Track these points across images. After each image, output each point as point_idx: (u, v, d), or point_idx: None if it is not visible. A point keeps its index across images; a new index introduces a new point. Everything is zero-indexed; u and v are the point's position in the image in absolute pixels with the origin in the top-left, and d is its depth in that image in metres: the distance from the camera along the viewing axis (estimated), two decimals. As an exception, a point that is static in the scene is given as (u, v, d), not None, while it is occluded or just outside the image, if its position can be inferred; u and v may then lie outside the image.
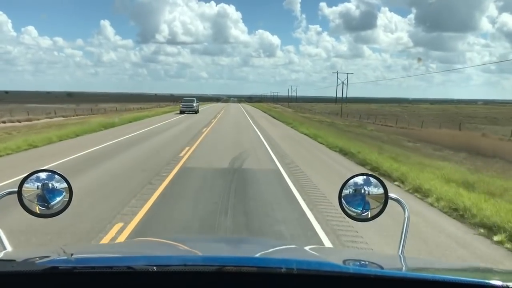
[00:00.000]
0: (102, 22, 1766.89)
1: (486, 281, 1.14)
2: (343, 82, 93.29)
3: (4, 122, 29.35)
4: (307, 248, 1.79)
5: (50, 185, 1.65)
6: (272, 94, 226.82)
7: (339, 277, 1.19)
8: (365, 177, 1.73)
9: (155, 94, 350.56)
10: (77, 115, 40.45)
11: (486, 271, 1.52)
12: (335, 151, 16.85)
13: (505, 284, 1.10)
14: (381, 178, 1.75)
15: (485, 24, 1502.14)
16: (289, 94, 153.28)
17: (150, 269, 1.15)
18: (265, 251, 1.63)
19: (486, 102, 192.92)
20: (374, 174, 1.85)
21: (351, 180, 1.72)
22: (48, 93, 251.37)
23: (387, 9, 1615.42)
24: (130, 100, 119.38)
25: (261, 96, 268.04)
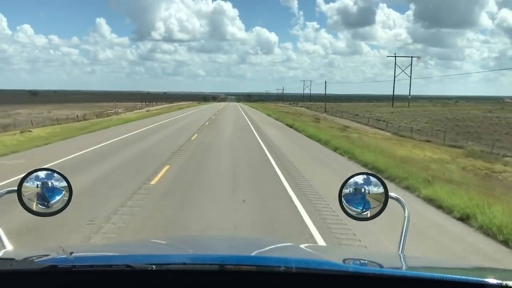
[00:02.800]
0: (97, 20, 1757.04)
1: (484, 279, 1.15)
2: (405, 75, 73.17)
3: None
4: (306, 246, 1.79)
5: (49, 183, 1.65)
6: (278, 91, 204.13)
7: (338, 275, 1.19)
8: (365, 176, 1.73)
9: (148, 92, 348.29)
10: None
11: (484, 270, 1.53)
12: None
13: (503, 282, 1.11)
14: (381, 177, 1.75)
15: (484, 20, 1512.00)
16: (322, 92, 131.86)
17: (149, 268, 1.15)
18: (264, 250, 1.64)
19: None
20: (374, 173, 1.81)
21: (351, 179, 1.72)
22: (29, 91, 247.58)
23: (385, 5, 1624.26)
24: (116, 99, 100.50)
25: (266, 94, 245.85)
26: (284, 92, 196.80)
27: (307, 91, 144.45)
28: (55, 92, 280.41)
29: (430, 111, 68.63)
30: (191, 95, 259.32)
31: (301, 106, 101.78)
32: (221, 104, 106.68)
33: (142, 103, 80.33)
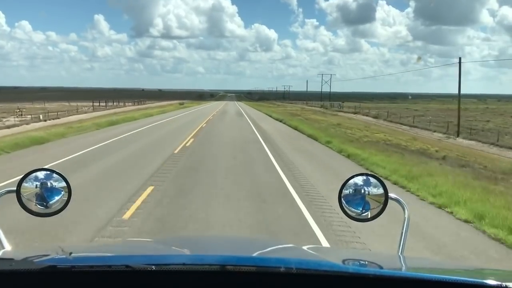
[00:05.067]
0: (96, 16, 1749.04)
1: (484, 281, 1.15)
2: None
3: None
4: (306, 247, 1.80)
5: (48, 184, 1.65)
6: (285, 88, 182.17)
7: (338, 276, 1.20)
8: (365, 177, 1.73)
9: (143, 89, 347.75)
10: None
11: (484, 271, 1.54)
12: None
13: (503, 284, 1.11)
14: (381, 178, 1.75)
15: (485, 17, 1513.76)
16: (326, 89, 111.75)
17: (148, 268, 1.14)
18: (264, 251, 1.64)
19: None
20: (374, 174, 1.81)
21: (351, 180, 1.72)
22: (15, 88, 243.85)
23: (384, 2, 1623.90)
24: (107, 96, 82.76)
25: (273, 91, 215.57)
26: (291, 89, 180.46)
27: (325, 88, 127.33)
28: (43, 88, 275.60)
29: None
30: (188, 93, 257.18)
31: (356, 112, 62.73)
32: (216, 107, 74.23)
33: (92, 106, 59.00)
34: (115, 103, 70.27)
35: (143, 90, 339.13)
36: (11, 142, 17.81)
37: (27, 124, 30.73)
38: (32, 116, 37.57)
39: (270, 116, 45.63)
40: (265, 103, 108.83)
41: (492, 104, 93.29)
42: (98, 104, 64.26)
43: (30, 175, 1.64)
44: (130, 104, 73.09)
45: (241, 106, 79.03)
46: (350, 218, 1.73)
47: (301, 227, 7.07)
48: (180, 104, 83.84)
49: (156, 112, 50.20)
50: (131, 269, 1.14)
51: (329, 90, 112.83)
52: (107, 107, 59.93)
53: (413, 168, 12.58)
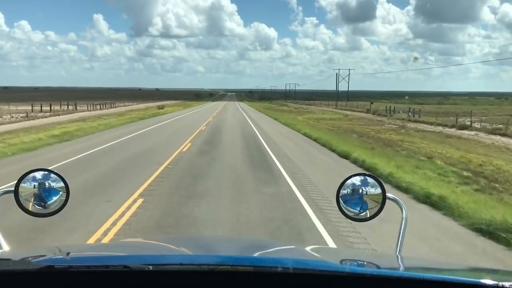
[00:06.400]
0: (95, 16, 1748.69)
1: (481, 280, 1.15)
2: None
3: None
4: (305, 248, 1.80)
5: (46, 184, 1.64)
6: (290, 87, 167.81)
7: (335, 276, 1.20)
8: (362, 177, 1.73)
9: (140, 89, 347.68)
10: None
11: (481, 271, 1.54)
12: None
13: (499, 283, 1.12)
14: (378, 178, 1.75)
15: (486, 15, 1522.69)
16: (320, 88, 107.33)
17: (146, 268, 1.15)
18: (262, 251, 1.64)
19: None
20: (371, 174, 1.84)
21: (349, 180, 1.72)
22: (5, 88, 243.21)
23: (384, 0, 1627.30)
24: (100, 97, 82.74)
25: (277, 90, 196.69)
26: (291, 89, 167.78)
27: (326, 86, 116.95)
28: (36, 88, 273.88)
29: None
30: (186, 92, 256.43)
31: (462, 128, 32.07)
32: (210, 112, 52.06)
33: (31, 111, 40.01)
34: (70, 107, 52.27)
35: (140, 89, 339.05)
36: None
37: None
38: None
39: (333, 151, 16.90)
40: (273, 105, 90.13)
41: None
42: (39, 108, 44.26)
43: (28, 176, 1.63)
44: (84, 108, 52.45)
45: (246, 112, 55.36)
46: (348, 218, 1.73)
47: None
48: (159, 108, 57.59)
49: (59, 136, 20.08)
50: (129, 269, 1.14)
51: (338, 89, 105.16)
52: (38, 115, 38.05)
53: None
